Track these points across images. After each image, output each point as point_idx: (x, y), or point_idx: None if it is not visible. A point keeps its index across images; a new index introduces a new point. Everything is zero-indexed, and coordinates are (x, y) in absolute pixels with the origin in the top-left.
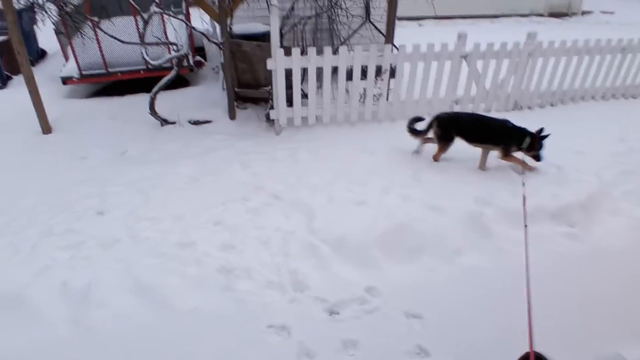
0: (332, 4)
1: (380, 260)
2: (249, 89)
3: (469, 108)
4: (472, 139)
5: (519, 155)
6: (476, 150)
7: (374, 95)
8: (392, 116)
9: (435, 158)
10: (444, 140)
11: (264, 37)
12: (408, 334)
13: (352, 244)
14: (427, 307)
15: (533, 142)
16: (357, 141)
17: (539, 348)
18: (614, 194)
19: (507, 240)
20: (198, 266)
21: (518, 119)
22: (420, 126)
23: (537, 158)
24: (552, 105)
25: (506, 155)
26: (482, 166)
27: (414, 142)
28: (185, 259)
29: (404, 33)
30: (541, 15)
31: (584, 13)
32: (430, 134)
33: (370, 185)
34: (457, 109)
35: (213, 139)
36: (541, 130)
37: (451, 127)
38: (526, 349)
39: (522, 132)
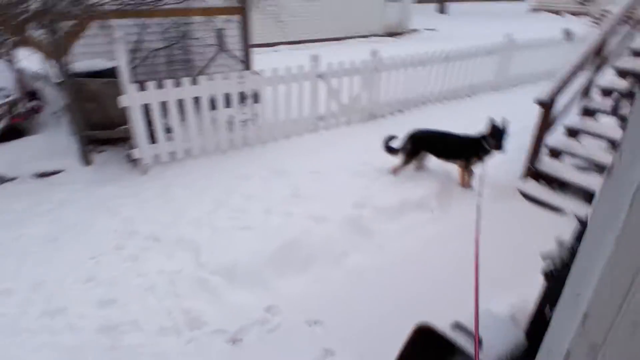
0: (184, 35)
1: (273, 278)
2: (102, 130)
3: (332, 123)
4: (440, 154)
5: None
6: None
7: (242, 121)
8: (263, 140)
9: (396, 172)
10: (410, 155)
11: (112, 73)
12: (312, 340)
13: (243, 270)
14: (325, 312)
15: (490, 140)
16: (232, 168)
17: (420, 317)
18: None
19: (385, 237)
20: (73, 332)
21: (375, 128)
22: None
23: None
24: (400, 112)
25: (465, 168)
26: (464, 183)
27: (292, 161)
28: (55, 328)
29: (261, 59)
30: (379, 35)
31: (412, 31)
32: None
33: (252, 209)
34: (321, 125)
35: (68, 191)
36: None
37: (422, 143)
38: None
39: (474, 141)
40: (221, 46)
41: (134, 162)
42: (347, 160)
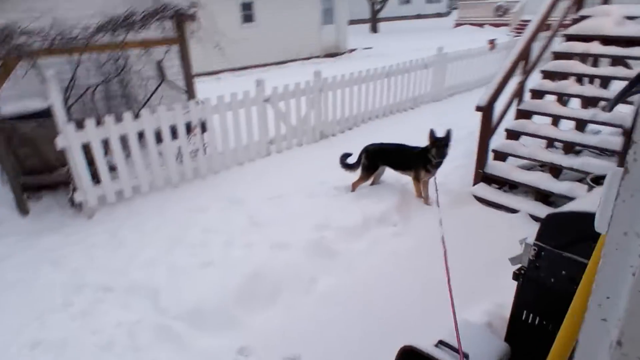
0: (121, 69)
1: (242, 315)
2: (39, 175)
3: (283, 146)
4: (395, 166)
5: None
6: (305, 181)
7: (191, 152)
8: (214, 169)
9: (354, 186)
10: (367, 170)
11: (46, 114)
12: None
13: (208, 310)
14: (301, 344)
15: (433, 150)
16: (185, 202)
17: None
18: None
19: (351, 256)
20: None
21: (327, 147)
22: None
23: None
24: (349, 129)
25: (417, 179)
26: (418, 194)
27: (248, 188)
28: None
29: (204, 88)
30: (319, 56)
31: (350, 51)
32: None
33: (211, 243)
34: (272, 148)
35: (5, 245)
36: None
37: (377, 157)
38: (399, 347)
39: (421, 152)
40: (162, 77)
41: (77, 206)
42: (303, 182)
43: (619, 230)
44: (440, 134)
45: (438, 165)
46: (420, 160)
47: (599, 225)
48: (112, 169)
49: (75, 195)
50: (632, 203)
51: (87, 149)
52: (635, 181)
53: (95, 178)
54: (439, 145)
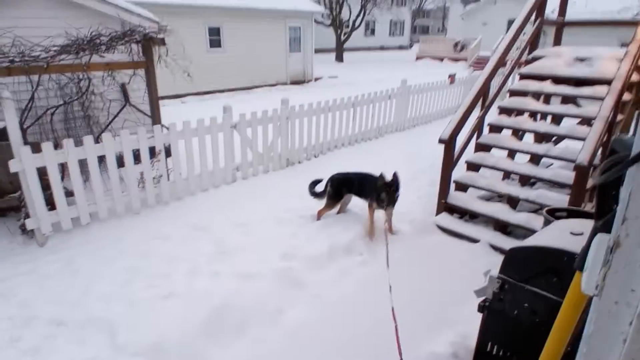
0: (83, 91)
1: (208, 350)
2: None
3: (249, 172)
4: (358, 194)
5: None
6: (271, 208)
7: (154, 178)
8: (178, 195)
9: (320, 214)
10: (333, 199)
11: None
12: None
13: (171, 345)
14: None
15: (385, 195)
16: (146, 229)
17: None
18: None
19: (319, 286)
20: None
21: (293, 174)
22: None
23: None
24: (315, 156)
25: (370, 207)
26: (369, 221)
27: (213, 215)
28: None
29: (168, 111)
30: (285, 83)
31: (316, 79)
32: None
33: (174, 273)
34: (238, 175)
35: None
36: (389, 179)
37: (342, 186)
38: None
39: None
40: (126, 100)
41: (29, 233)
42: (269, 209)
43: (610, 299)
44: (388, 177)
45: (390, 204)
46: (376, 191)
47: (587, 287)
48: (69, 194)
49: (28, 222)
50: (624, 275)
51: (42, 173)
52: (627, 255)
53: (50, 204)
54: (389, 192)
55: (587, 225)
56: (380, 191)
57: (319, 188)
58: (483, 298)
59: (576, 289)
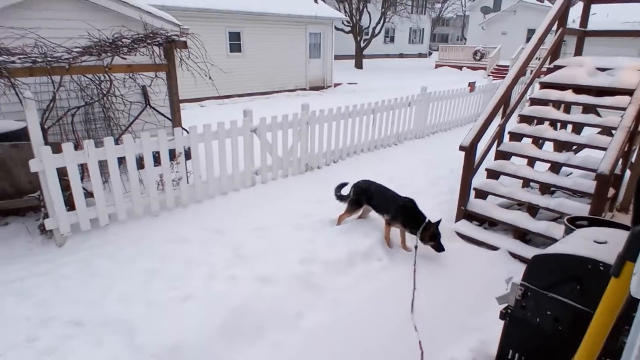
0: (104, 92)
1: (225, 353)
2: (8, 200)
3: (268, 177)
4: (374, 207)
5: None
6: (290, 213)
7: (173, 180)
8: (197, 198)
9: (340, 219)
10: (353, 205)
11: (20, 135)
12: None
13: (190, 347)
14: None
15: (428, 230)
16: (165, 232)
17: None
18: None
19: (338, 291)
20: None
21: (312, 179)
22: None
23: (437, 248)
24: (334, 162)
25: (388, 224)
26: (386, 237)
27: (231, 219)
28: None
29: (187, 115)
30: (304, 89)
31: (335, 85)
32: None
33: (193, 276)
34: (257, 179)
35: None
36: (438, 222)
37: (362, 194)
38: None
39: (415, 215)
40: (147, 103)
41: (47, 233)
42: (288, 214)
43: None
44: (432, 219)
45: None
46: (400, 213)
47: (637, 291)
48: (88, 195)
49: (46, 222)
50: None
51: (62, 173)
52: None
53: (69, 204)
54: (431, 234)
55: (610, 234)
56: (425, 230)
57: (345, 191)
58: (505, 305)
59: (612, 295)
